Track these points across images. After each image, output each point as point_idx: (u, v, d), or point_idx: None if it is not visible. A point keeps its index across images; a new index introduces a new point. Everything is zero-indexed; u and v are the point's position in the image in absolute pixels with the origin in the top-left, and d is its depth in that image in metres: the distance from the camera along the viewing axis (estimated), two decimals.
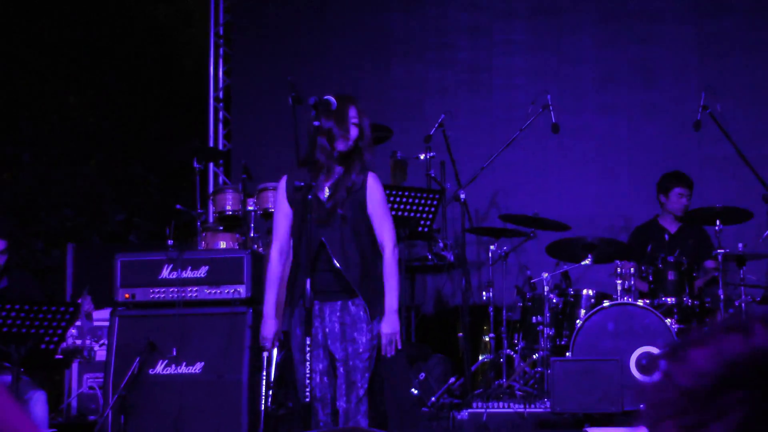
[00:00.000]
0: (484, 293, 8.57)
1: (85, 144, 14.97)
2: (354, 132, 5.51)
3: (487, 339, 8.53)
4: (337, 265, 5.41)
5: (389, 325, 5.45)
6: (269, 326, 5.61)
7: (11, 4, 14.78)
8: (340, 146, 5.48)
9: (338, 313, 5.47)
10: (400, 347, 5.50)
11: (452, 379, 8.10)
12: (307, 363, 5.21)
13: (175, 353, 6.98)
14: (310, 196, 5.22)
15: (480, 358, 8.67)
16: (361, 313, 5.45)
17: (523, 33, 10.45)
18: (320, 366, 5.46)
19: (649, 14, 10.18)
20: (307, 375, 5.22)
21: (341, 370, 5.43)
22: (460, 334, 8.45)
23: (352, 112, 5.55)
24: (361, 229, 5.52)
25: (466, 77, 10.50)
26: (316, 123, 5.40)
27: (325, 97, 5.40)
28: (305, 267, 5.26)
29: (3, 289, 7.16)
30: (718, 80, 9.55)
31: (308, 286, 5.16)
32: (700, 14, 10.12)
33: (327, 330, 5.47)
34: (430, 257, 8.85)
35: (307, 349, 5.19)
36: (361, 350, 5.42)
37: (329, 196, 5.49)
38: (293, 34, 10.81)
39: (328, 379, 5.47)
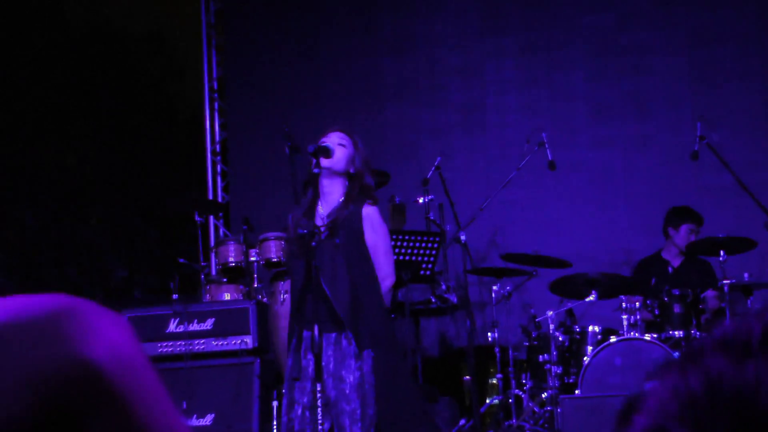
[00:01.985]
0: (489, 334, 8.57)
1: (85, 200, 15.03)
2: (340, 151, 5.50)
3: (494, 380, 8.53)
4: (328, 293, 5.38)
5: None
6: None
7: (7, 62, 14.88)
8: (331, 165, 5.47)
9: (332, 347, 5.38)
10: None
11: (462, 422, 8.10)
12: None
13: (185, 406, 7.00)
14: (314, 243, 5.20)
15: (488, 399, 8.67)
16: (351, 348, 5.35)
17: (514, 71, 10.52)
18: (304, 399, 5.33)
19: (640, 47, 10.25)
20: (319, 400, 5.15)
21: (332, 412, 5.32)
22: (467, 377, 8.45)
23: (337, 135, 5.56)
24: (354, 258, 5.48)
25: (459, 117, 10.57)
26: (315, 170, 5.41)
27: (323, 144, 5.43)
28: (298, 304, 5.26)
29: None
30: (712, 110, 9.59)
31: (316, 331, 5.12)
32: (692, 45, 10.19)
33: (323, 363, 5.35)
34: (433, 300, 8.86)
35: (318, 394, 5.15)
36: (347, 391, 5.30)
37: (326, 224, 5.48)
38: (286, 83, 10.88)
39: (311, 415, 5.31)
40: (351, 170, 5.50)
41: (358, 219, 5.49)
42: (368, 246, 5.48)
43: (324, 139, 5.53)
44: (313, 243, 5.20)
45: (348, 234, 5.45)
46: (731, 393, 0.84)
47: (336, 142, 5.49)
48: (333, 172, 5.49)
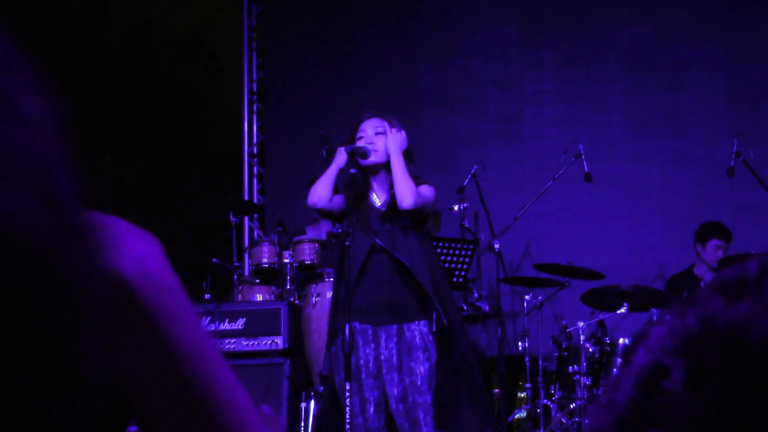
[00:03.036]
0: (519, 343, 8.53)
1: (120, 202, 15.09)
2: (380, 140, 5.40)
3: (523, 391, 8.48)
4: (405, 261, 5.17)
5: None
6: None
7: (47, 65, 14.98)
8: (375, 160, 5.37)
9: (394, 339, 5.23)
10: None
11: (489, 429, 8.05)
12: (353, 395, 5.06)
13: None
14: (348, 242, 5.13)
15: (516, 409, 8.62)
16: (417, 339, 5.21)
17: (552, 83, 10.49)
18: (371, 397, 5.20)
19: (678, 62, 10.20)
20: (347, 399, 5.01)
21: (400, 407, 5.17)
22: (496, 390, 8.40)
23: (371, 124, 5.46)
24: (423, 239, 5.36)
25: (496, 128, 10.54)
26: (352, 171, 5.34)
27: (359, 145, 5.36)
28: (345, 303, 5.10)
29: None
30: (748, 126, 9.53)
31: (347, 331, 5.04)
32: (729, 62, 10.13)
33: (382, 357, 5.21)
34: (465, 308, 8.83)
35: (347, 394, 5.08)
36: (419, 383, 5.16)
37: (387, 210, 5.35)
38: (325, 88, 10.90)
39: (376, 414, 5.19)
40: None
41: None
42: None
43: (360, 132, 5.45)
44: (347, 243, 5.10)
45: (410, 217, 5.32)
46: (724, 329, 0.87)
47: (373, 132, 5.41)
48: (379, 166, 5.42)
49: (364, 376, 5.18)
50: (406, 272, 5.26)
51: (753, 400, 0.85)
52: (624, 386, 0.90)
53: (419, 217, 5.36)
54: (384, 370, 5.21)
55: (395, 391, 5.19)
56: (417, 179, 5.39)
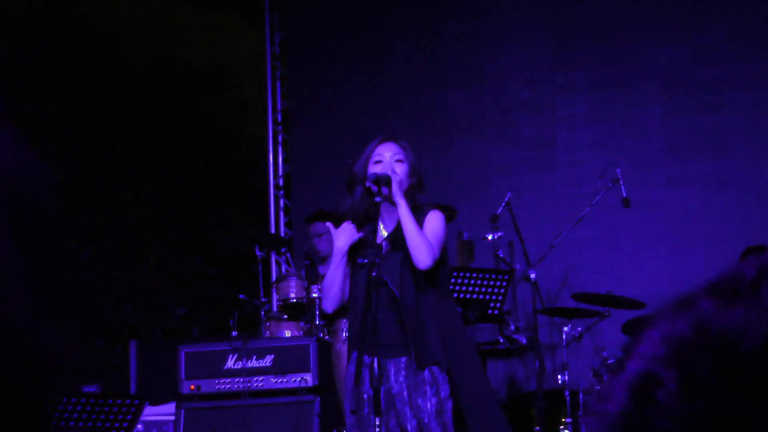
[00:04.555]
0: (558, 377, 8.50)
1: (143, 238, 15.18)
2: (399, 168, 5.38)
3: (564, 426, 8.45)
4: (396, 293, 5.19)
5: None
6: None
7: (64, 97, 15.13)
8: (399, 190, 5.32)
9: (404, 373, 5.23)
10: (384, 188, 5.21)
11: None
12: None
13: None
14: (375, 273, 5.14)
15: None
16: (425, 373, 5.19)
17: (586, 106, 10.50)
18: (409, 426, 5.16)
19: (717, 81, 10.18)
20: None
21: None
22: (537, 428, 8.37)
23: (389, 149, 5.43)
24: (429, 274, 5.31)
25: (529, 154, 10.55)
26: (378, 199, 5.36)
27: (385, 173, 5.37)
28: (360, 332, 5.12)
29: None
30: None
31: (375, 364, 5.04)
32: None
33: (394, 392, 5.20)
34: (501, 341, 8.82)
35: (377, 429, 5.07)
36: (426, 420, 5.15)
37: (388, 237, 5.37)
38: (351, 116, 10.95)
39: None
40: (411, 182, 5.45)
41: (422, 218, 5.36)
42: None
43: (376, 156, 5.44)
44: (374, 273, 5.13)
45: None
46: (718, 336, 0.86)
47: (392, 159, 5.42)
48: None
49: (366, 411, 5.19)
50: (411, 303, 5.28)
51: (748, 412, 0.83)
52: (616, 396, 0.90)
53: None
54: (398, 405, 5.20)
55: (410, 426, 5.19)
56: (419, 209, 5.41)
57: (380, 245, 5.37)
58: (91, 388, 9.13)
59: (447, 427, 5.20)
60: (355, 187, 5.41)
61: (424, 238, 5.23)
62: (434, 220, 5.38)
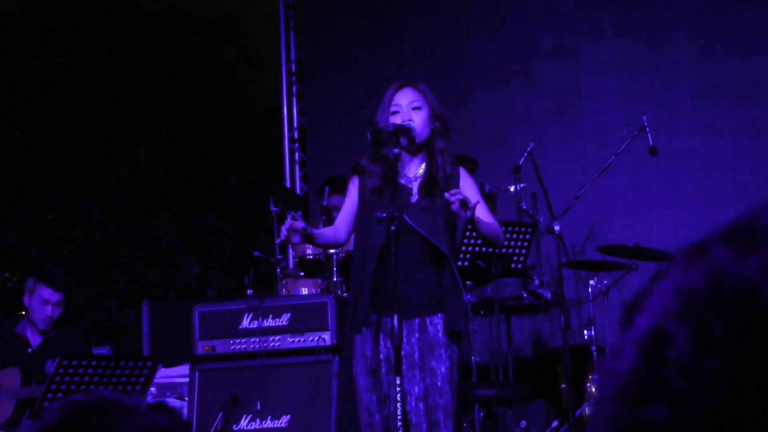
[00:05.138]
0: (585, 332, 8.50)
1: (156, 196, 15.20)
2: (417, 116, 5.34)
3: (591, 383, 8.45)
4: (440, 247, 5.15)
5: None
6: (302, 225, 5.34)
7: (75, 52, 15.11)
8: (418, 141, 5.33)
9: (417, 334, 5.21)
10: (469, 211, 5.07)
11: (555, 423, 8.04)
12: (397, 388, 5.04)
13: (259, 407, 7.02)
14: (393, 227, 5.09)
15: (585, 402, 8.59)
16: (440, 335, 5.19)
17: (612, 52, 10.42)
18: (416, 389, 5.15)
19: (749, 24, 10.09)
20: (398, 395, 5.02)
21: (420, 406, 5.14)
22: (563, 385, 8.37)
23: (406, 96, 5.38)
24: (451, 226, 5.33)
25: (553, 103, 10.49)
26: (396, 150, 5.31)
27: (405, 123, 5.33)
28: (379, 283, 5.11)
29: (48, 339, 7.37)
30: None
31: (395, 322, 5.04)
32: None
33: (403, 353, 5.14)
34: (525, 296, 8.80)
35: (398, 389, 5.05)
36: (440, 383, 5.15)
37: (420, 186, 5.31)
38: (368, 66, 10.89)
39: (396, 411, 5.07)
40: (433, 126, 5.40)
41: (456, 180, 5.35)
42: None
43: (393, 106, 5.39)
44: (393, 227, 5.08)
45: (443, 199, 5.22)
46: (732, 287, 0.83)
47: (409, 107, 5.36)
48: (419, 146, 5.39)
49: (384, 371, 5.16)
50: (430, 259, 5.24)
51: (766, 370, 0.80)
52: (626, 353, 0.86)
53: None
54: (404, 367, 5.15)
55: (416, 389, 5.17)
56: (447, 152, 5.38)
57: (408, 188, 5.33)
58: (102, 350, 9.17)
59: (455, 391, 5.19)
60: (378, 137, 5.38)
61: (495, 228, 5.33)
62: (472, 187, 5.40)
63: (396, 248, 5.07)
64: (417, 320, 5.23)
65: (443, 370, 5.19)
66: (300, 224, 5.25)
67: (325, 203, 8.57)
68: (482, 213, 5.28)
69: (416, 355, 5.20)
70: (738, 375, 0.81)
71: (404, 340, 5.20)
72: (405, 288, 5.19)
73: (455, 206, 4.99)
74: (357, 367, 5.24)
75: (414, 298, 5.23)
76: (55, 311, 7.34)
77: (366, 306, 5.18)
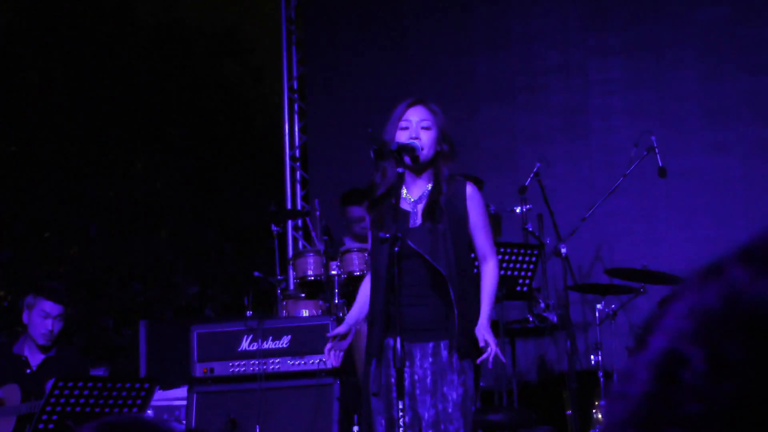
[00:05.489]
0: (592, 357, 8.47)
1: (154, 212, 15.19)
2: (425, 136, 5.33)
3: (597, 410, 8.43)
4: (440, 269, 5.14)
5: (485, 331, 5.17)
6: (340, 329, 5.40)
7: (74, 65, 15.12)
8: (423, 160, 5.31)
9: (430, 359, 5.19)
10: (503, 360, 5.26)
11: None
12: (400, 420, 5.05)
13: (258, 430, 7.01)
14: (396, 248, 5.08)
15: (590, 430, 8.57)
16: (454, 360, 5.17)
17: (620, 70, 10.42)
18: (406, 418, 5.11)
19: (760, 41, 10.08)
20: (400, 420, 4.99)
21: None
22: (569, 411, 8.35)
23: (417, 114, 5.39)
24: (461, 246, 5.32)
25: (560, 121, 10.48)
26: (399, 170, 5.30)
27: (409, 143, 5.33)
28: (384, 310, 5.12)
29: (49, 359, 7.37)
30: None
31: (398, 344, 5.02)
32: None
33: (416, 377, 5.17)
34: (531, 319, 8.80)
35: (400, 413, 5.04)
36: (450, 410, 5.14)
37: (424, 210, 5.30)
38: (372, 83, 10.89)
39: None
40: (439, 149, 5.40)
41: (462, 200, 5.34)
42: (471, 228, 5.36)
43: (403, 122, 5.39)
44: (396, 248, 5.07)
45: (452, 218, 5.26)
46: (749, 308, 0.82)
47: (418, 125, 5.37)
48: (424, 165, 5.39)
49: (395, 395, 5.15)
50: (439, 282, 5.24)
51: None
52: (638, 377, 0.86)
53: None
54: (417, 392, 5.17)
55: (426, 415, 5.17)
56: (453, 179, 5.38)
57: (406, 213, 5.32)
58: (98, 371, 9.15)
59: (468, 419, 5.18)
60: (385, 155, 5.37)
61: (495, 286, 5.39)
62: (478, 207, 5.40)
63: (400, 270, 5.07)
64: (431, 344, 5.22)
65: (455, 396, 5.17)
66: (340, 343, 5.32)
67: (350, 216, 8.59)
68: (483, 239, 5.38)
69: (428, 380, 5.20)
70: (754, 399, 0.80)
71: (417, 364, 5.20)
72: (415, 311, 5.21)
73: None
74: (372, 388, 5.26)
75: (425, 321, 5.23)
76: (55, 325, 7.34)
77: (379, 336, 5.19)
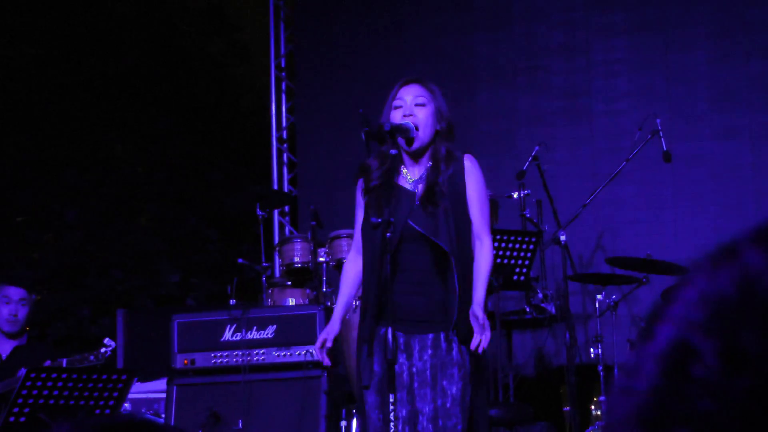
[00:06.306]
0: (591, 350, 8.48)
1: (135, 197, 15.17)
2: (420, 113, 5.33)
3: (597, 405, 8.45)
4: (442, 246, 5.12)
5: (479, 314, 5.11)
6: (333, 329, 5.33)
7: (51, 43, 15.09)
8: (418, 144, 5.31)
9: (430, 351, 5.18)
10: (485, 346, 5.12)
11: None
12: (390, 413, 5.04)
13: (241, 425, 7.01)
14: (389, 234, 5.07)
15: (590, 426, 8.59)
16: (453, 353, 5.16)
17: (625, 51, 10.42)
18: (403, 412, 5.13)
19: None
20: (391, 414, 4.99)
21: (429, 428, 5.13)
22: (567, 407, 8.37)
23: (411, 91, 5.37)
24: (463, 228, 5.29)
25: (561, 104, 10.49)
26: (393, 152, 5.29)
27: (402, 123, 5.31)
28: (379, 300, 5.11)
29: (20, 348, 7.39)
30: None
31: (389, 335, 5.02)
32: None
33: (414, 370, 5.17)
34: (528, 310, 8.81)
35: (391, 408, 5.05)
36: (449, 405, 5.14)
37: (423, 192, 5.28)
38: (364, 62, 10.89)
39: (410, 429, 5.13)
40: (438, 128, 5.38)
41: (461, 175, 5.32)
42: (468, 202, 5.33)
43: (397, 100, 5.39)
44: (388, 234, 5.06)
45: (453, 197, 5.24)
46: (766, 296, 0.80)
47: (412, 102, 5.36)
48: (421, 147, 5.37)
49: (397, 388, 5.14)
50: (445, 268, 5.22)
51: None
52: (645, 370, 0.84)
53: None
54: (416, 385, 5.17)
55: (426, 409, 5.16)
56: (451, 156, 5.35)
57: (410, 193, 5.31)
58: None
59: (466, 414, 5.18)
60: (378, 137, 5.35)
61: (489, 270, 5.29)
62: (477, 182, 5.36)
63: (393, 256, 5.06)
64: (431, 336, 5.21)
65: (454, 391, 5.16)
66: (325, 343, 5.31)
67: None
68: (477, 215, 5.32)
69: (428, 373, 5.19)
70: None
71: (416, 356, 5.19)
72: (413, 300, 5.21)
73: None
74: (364, 382, 5.24)
75: (424, 312, 5.22)
76: (19, 310, 7.40)
77: (371, 326, 5.18)
